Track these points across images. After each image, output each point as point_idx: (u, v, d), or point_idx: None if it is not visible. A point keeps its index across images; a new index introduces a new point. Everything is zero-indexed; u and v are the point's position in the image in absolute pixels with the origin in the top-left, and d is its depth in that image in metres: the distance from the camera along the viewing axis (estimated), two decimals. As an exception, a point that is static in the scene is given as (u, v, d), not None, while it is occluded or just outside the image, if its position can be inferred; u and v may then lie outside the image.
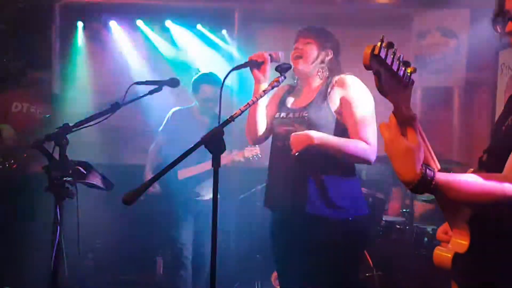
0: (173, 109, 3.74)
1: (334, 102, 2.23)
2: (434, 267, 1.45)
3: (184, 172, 3.57)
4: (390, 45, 1.10)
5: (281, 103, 2.42)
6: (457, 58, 4.47)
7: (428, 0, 4.68)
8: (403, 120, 1.18)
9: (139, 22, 4.76)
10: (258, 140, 2.49)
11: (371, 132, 2.18)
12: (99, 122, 2.59)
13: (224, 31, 4.80)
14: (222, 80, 2.10)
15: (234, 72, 4.57)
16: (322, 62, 2.32)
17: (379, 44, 1.09)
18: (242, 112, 1.82)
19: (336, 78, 2.28)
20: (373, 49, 1.08)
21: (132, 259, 4.57)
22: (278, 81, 2.00)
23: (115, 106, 2.65)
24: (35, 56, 4.56)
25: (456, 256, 1.35)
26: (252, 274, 4.04)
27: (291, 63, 2.32)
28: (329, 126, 2.21)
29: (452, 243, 1.39)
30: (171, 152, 3.67)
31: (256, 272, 4.00)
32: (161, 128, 3.77)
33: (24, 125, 3.88)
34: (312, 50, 2.31)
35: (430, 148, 1.34)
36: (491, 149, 1.42)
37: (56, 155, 2.43)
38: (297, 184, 2.23)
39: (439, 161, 1.32)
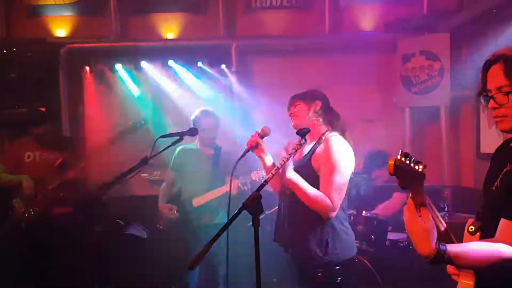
0: (179, 148, 3.98)
1: (317, 159, 2.52)
2: (437, 281, 1.74)
3: (198, 200, 3.89)
4: (406, 155, 1.44)
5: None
6: (442, 79, 4.84)
7: (409, 26, 5.05)
8: (419, 203, 1.52)
9: (144, 63, 5.03)
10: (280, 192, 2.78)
11: (337, 194, 2.43)
12: (133, 176, 2.88)
13: (223, 66, 5.08)
14: (236, 162, 2.49)
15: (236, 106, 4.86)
16: (315, 112, 2.64)
17: (399, 156, 1.43)
18: (274, 175, 2.13)
19: (325, 136, 2.57)
20: (395, 161, 1.43)
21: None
22: (300, 144, 2.31)
23: (144, 160, 2.95)
24: (45, 103, 4.80)
25: (466, 296, 1.67)
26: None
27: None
28: (311, 180, 2.49)
29: (462, 284, 1.71)
30: (181, 184, 4.00)
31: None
32: (170, 167, 4.05)
33: (38, 173, 4.09)
34: (302, 108, 2.66)
35: (436, 212, 1.67)
36: (485, 209, 1.73)
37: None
38: (294, 228, 2.58)
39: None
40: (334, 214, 2.45)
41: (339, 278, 2.51)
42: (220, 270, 3.95)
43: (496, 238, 1.58)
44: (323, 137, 2.58)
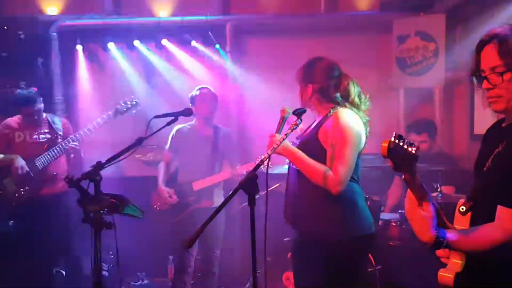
0: (176, 127, 3.99)
1: (325, 132, 2.47)
2: (428, 259, 1.80)
3: (198, 184, 3.90)
4: (399, 137, 1.45)
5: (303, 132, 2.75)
6: (436, 60, 4.81)
7: (406, 6, 5.01)
8: (419, 195, 1.57)
9: (136, 42, 4.96)
10: None
11: (342, 167, 2.35)
12: (127, 156, 2.86)
13: (217, 46, 5.03)
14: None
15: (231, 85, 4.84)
16: (310, 96, 2.59)
17: (392, 139, 1.44)
18: (270, 155, 2.13)
19: (334, 111, 2.50)
20: (389, 144, 1.43)
21: (145, 265, 4.87)
22: (296, 124, 2.29)
23: (139, 140, 2.92)
24: (37, 83, 4.73)
25: (457, 275, 1.69)
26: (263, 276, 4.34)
27: None
28: (318, 155, 2.43)
29: (451, 264, 1.73)
30: (179, 165, 4.01)
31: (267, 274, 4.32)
32: (167, 146, 4.05)
33: (29, 152, 4.07)
34: (301, 91, 2.65)
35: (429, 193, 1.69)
36: (476, 190, 1.73)
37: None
38: (300, 205, 2.56)
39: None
40: (340, 187, 2.36)
41: (350, 257, 2.46)
42: (215, 250, 3.98)
43: (496, 225, 1.60)
44: (332, 111, 2.51)
